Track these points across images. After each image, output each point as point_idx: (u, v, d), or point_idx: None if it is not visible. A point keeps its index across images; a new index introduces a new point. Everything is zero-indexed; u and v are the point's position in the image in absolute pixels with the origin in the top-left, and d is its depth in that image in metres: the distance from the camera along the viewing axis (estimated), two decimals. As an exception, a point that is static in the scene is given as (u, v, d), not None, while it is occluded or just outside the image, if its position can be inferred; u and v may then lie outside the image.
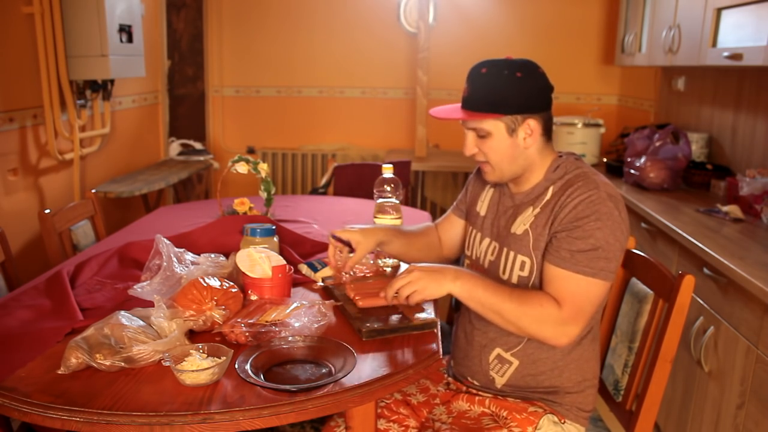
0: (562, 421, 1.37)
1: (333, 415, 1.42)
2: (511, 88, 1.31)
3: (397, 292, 1.31)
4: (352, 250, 1.51)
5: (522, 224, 1.37)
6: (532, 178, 1.39)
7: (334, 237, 1.52)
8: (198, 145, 4.41)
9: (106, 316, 1.26)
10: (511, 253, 1.38)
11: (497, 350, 1.40)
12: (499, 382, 1.41)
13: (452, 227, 1.64)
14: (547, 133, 1.38)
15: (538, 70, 1.35)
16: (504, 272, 1.40)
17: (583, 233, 1.26)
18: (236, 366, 1.17)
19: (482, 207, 1.51)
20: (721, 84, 2.88)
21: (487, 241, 1.46)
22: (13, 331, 1.33)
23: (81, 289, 1.59)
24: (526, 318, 1.27)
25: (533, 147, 1.36)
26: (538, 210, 1.35)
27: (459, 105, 1.39)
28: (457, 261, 1.64)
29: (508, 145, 1.34)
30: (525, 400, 1.39)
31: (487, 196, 1.52)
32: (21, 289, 1.60)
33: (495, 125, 1.33)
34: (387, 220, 1.81)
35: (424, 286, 1.29)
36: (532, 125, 1.33)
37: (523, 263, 1.36)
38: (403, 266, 1.75)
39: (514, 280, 1.37)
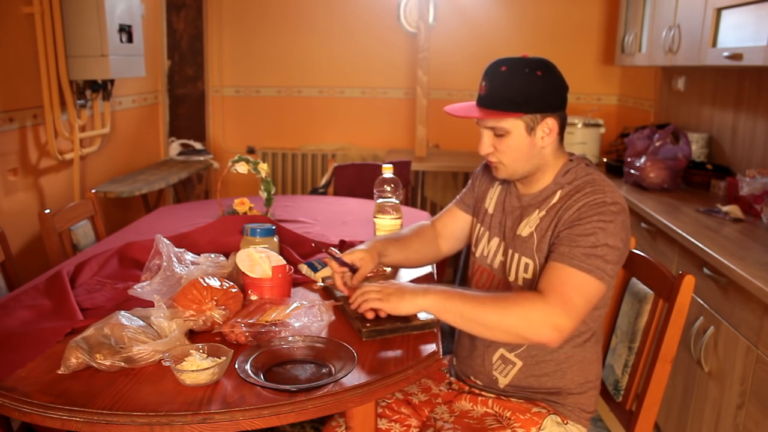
0: (565, 422, 1.37)
1: (334, 415, 1.43)
2: (532, 87, 1.29)
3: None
4: (354, 271, 1.48)
5: (527, 227, 1.36)
6: (543, 179, 1.37)
7: (339, 261, 1.46)
8: (198, 145, 4.41)
9: (106, 316, 1.26)
10: (516, 255, 1.38)
11: (501, 350, 1.40)
12: (502, 382, 1.41)
13: (455, 221, 1.61)
14: (562, 132, 1.36)
15: (556, 69, 1.34)
16: (510, 274, 1.39)
17: (584, 231, 1.25)
18: (236, 366, 1.17)
19: (490, 204, 1.50)
20: (721, 84, 2.88)
21: (496, 240, 1.45)
22: (13, 331, 1.33)
23: (81, 289, 1.59)
24: (510, 316, 1.22)
25: (549, 147, 1.35)
26: (543, 213, 1.34)
27: (473, 103, 1.37)
28: (457, 256, 1.63)
29: (525, 144, 1.33)
30: (528, 401, 1.39)
31: (495, 193, 1.50)
32: (21, 289, 1.60)
33: (514, 124, 1.32)
34: (387, 220, 1.81)
35: (387, 300, 1.29)
36: (550, 124, 1.32)
37: (526, 265, 1.36)
38: (403, 271, 1.76)
39: (520, 282, 1.37)
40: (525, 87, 1.29)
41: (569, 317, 1.21)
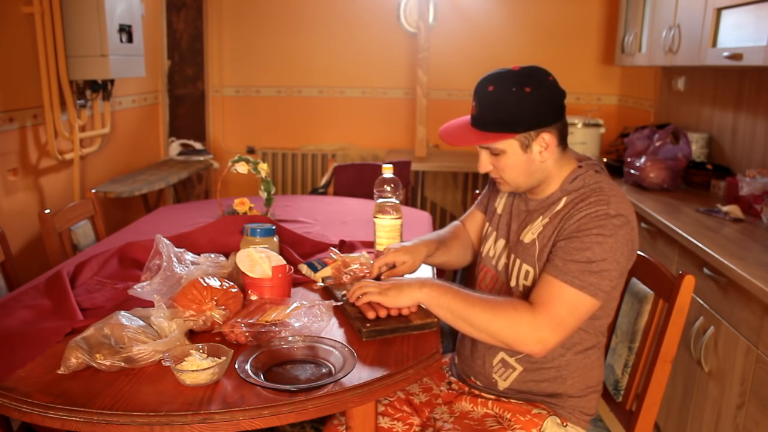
0: (564, 424, 1.36)
1: (335, 414, 1.43)
2: (521, 106, 1.26)
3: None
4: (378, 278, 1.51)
5: (531, 233, 1.36)
6: (548, 188, 1.36)
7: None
8: (198, 145, 4.41)
9: (106, 316, 1.26)
10: (518, 261, 1.37)
11: (501, 354, 1.40)
12: (502, 385, 1.41)
13: (475, 222, 1.63)
14: (563, 141, 1.33)
15: (548, 79, 1.29)
16: (512, 279, 1.39)
17: (581, 245, 1.23)
18: (236, 366, 1.17)
19: (500, 204, 1.50)
20: (721, 84, 2.88)
21: (502, 242, 1.45)
22: (13, 331, 1.33)
23: (81, 289, 1.59)
24: (497, 323, 1.24)
25: (550, 159, 1.32)
26: (547, 220, 1.33)
27: (468, 119, 1.36)
28: None
29: (523, 161, 1.31)
30: (528, 402, 1.39)
31: (505, 194, 1.50)
32: (21, 289, 1.60)
33: (509, 144, 1.30)
34: (387, 220, 1.81)
35: (386, 294, 1.32)
36: (546, 139, 1.29)
37: (527, 273, 1.35)
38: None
39: (520, 288, 1.37)
40: (514, 107, 1.26)
41: (554, 333, 1.23)
